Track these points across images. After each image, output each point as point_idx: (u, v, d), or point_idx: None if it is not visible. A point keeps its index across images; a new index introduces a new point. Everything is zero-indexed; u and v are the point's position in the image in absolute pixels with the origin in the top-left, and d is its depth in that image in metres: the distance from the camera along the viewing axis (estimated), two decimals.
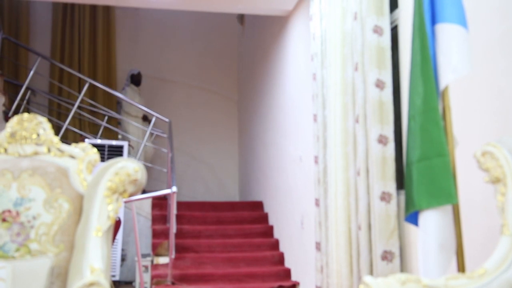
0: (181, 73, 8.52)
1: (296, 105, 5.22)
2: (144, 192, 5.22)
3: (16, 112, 6.28)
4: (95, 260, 1.65)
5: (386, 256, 2.94)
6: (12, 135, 1.93)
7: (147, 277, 5.34)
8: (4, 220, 1.78)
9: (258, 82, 7.15)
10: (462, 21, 2.11)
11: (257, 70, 7.28)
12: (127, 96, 7.30)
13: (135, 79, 7.75)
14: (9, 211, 1.79)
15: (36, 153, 1.92)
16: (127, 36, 8.45)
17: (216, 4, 5.32)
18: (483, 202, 2.30)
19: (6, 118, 6.12)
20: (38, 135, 1.94)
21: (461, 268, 2.03)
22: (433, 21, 2.16)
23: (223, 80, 8.68)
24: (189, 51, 8.57)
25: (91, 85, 6.91)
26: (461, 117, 2.36)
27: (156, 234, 5.94)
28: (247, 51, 8.15)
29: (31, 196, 1.82)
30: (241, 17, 8.36)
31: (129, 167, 1.80)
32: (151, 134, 7.35)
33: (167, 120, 6.77)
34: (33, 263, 1.72)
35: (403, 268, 2.99)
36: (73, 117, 6.94)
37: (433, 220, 2.00)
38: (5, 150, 1.92)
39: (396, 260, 2.95)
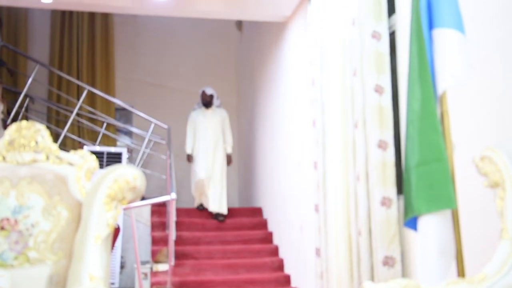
0: (180, 79, 8.53)
1: (295, 110, 5.23)
2: (143, 199, 5.21)
3: (15, 119, 6.28)
4: (94, 268, 1.64)
5: (387, 261, 2.93)
6: (11, 142, 1.92)
7: (146, 284, 5.32)
8: (2, 228, 1.78)
9: (257, 87, 7.16)
10: (459, 26, 2.12)
11: (255, 75, 7.29)
12: (189, 119, 6.56)
13: (202, 99, 6.56)
14: (8, 219, 1.79)
15: (34, 161, 1.92)
16: (126, 42, 8.47)
17: (214, 10, 5.34)
18: (482, 207, 2.30)
19: (5, 126, 6.12)
20: (36, 142, 1.93)
21: (461, 273, 2.03)
22: (431, 26, 2.17)
23: (222, 86, 8.66)
24: (188, 57, 8.58)
25: (89, 92, 6.91)
26: (460, 122, 2.36)
27: (155, 241, 5.92)
28: (245, 57, 8.17)
29: (29, 204, 1.81)
30: (239, 23, 8.38)
31: (128, 174, 1.79)
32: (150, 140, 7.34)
33: (165, 126, 6.77)
34: (31, 271, 1.71)
35: (404, 273, 2.98)
36: (72, 124, 6.94)
37: (433, 225, 2.00)
38: (4, 158, 1.92)
39: (398, 266, 2.94)
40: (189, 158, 6.53)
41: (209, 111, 6.52)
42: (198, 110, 6.59)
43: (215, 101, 6.57)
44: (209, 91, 6.54)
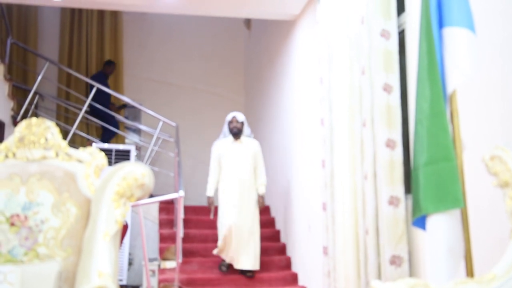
0: (188, 77, 8.55)
1: (303, 109, 5.22)
2: (151, 196, 5.22)
3: (25, 116, 6.32)
4: (103, 265, 1.65)
5: (395, 260, 2.93)
6: (21, 139, 1.94)
7: (154, 281, 5.34)
8: (12, 224, 1.79)
9: (265, 86, 7.16)
10: (470, 25, 2.11)
11: (263, 74, 7.29)
12: (212, 151, 5.31)
13: (231, 128, 5.28)
14: (18, 215, 1.80)
15: (44, 158, 1.93)
16: (134, 40, 8.50)
17: (222, 8, 5.34)
18: (491, 206, 2.28)
19: (15, 123, 6.16)
20: (46, 139, 1.94)
21: (469, 272, 2.02)
22: (441, 25, 2.16)
23: (230, 84, 8.70)
24: (196, 56, 8.60)
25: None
26: (469, 121, 2.35)
27: (163, 238, 5.95)
28: (253, 55, 8.17)
29: (39, 201, 1.83)
30: (247, 22, 8.38)
31: (136, 172, 1.80)
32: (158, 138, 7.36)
33: (174, 124, 6.79)
34: (41, 267, 1.72)
35: (412, 272, 2.97)
36: (81, 121, 6.98)
37: (442, 225, 2.00)
38: (14, 154, 1.93)
39: (405, 265, 2.93)
40: (210, 201, 5.19)
41: (238, 143, 5.22)
42: (224, 140, 5.29)
43: (245, 130, 5.32)
44: (240, 118, 5.25)
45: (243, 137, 5.26)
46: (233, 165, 5.14)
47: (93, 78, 7.33)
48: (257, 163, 5.24)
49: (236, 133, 5.20)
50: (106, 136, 7.38)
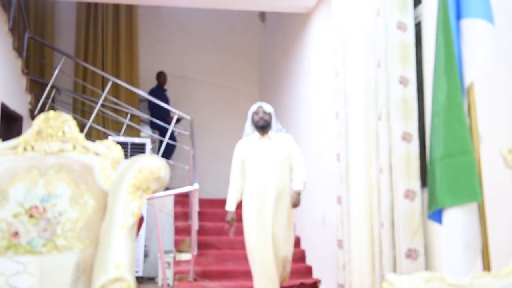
0: (203, 71, 8.56)
1: (318, 102, 5.20)
2: (166, 189, 5.26)
3: (42, 110, 6.39)
4: (120, 256, 1.67)
5: (411, 254, 2.91)
6: (39, 132, 1.96)
7: (169, 273, 5.39)
8: (31, 216, 1.82)
9: (280, 79, 7.14)
10: (488, 16, 2.08)
11: (278, 67, 7.27)
12: (235, 153, 4.18)
13: (256, 120, 4.07)
14: (36, 207, 1.83)
15: (62, 150, 1.96)
16: (150, 34, 8.53)
17: (237, 1, 5.33)
18: (509, 200, 2.26)
19: (32, 116, 6.24)
20: (63, 132, 1.97)
21: (486, 267, 2.00)
22: (458, 17, 2.13)
23: (245, 77, 8.69)
24: (211, 49, 8.60)
25: (114, 83, 7.00)
26: (487, 114, 2.32)
27: (178, 231, 5.99)
28: (268, 48, 8.14)
29: (57, 193, 1.85)
30: (262, 15, 8.35)
31: (152, 165, 1.82)
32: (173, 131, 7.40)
33: (189, 117, 6.81)
34: (59, 258, 1.75)
35: (428, 266, 2.96)
36: (97, 115, 7.05)
37: (458, 218, 1.98)
38: (32, 147, 1.96)
39: (421, 259, 2.92)
40: (230, 217, 4.17)
41: (265, 139, 4.06)
42: (247, 139, 4.15)
43: (275, 124, 4.14)
44: (268, 108, 4.10)
45: (271, 133, 4.08)
46: (261, 167, 3.98)
47: (151, 93, 7.50)
48: (293, 162, 4.04)
49: (263, 126, 4.02)
50: (168, 151, 7.36)
